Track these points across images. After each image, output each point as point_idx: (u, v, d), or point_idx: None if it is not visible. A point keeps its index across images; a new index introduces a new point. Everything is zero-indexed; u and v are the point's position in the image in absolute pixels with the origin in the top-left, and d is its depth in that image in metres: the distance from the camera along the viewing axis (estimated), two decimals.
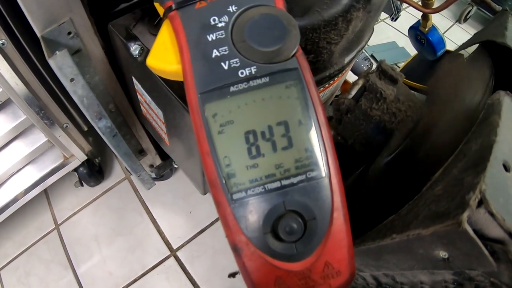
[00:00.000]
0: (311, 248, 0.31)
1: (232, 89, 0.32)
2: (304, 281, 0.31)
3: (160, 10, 0.38)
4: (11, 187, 1.03)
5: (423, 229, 0.37)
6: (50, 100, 0.83)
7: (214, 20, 0.33)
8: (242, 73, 0.32)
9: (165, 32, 0.36)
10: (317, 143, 0.32)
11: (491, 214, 0.32)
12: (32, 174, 1.05)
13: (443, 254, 0.38)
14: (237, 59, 0.32)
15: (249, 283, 0.31)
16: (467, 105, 0.57)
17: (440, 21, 1.85)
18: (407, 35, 1.28)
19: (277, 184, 0.31)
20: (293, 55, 0.33)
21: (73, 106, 0.92)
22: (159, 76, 0.51)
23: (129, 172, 0.93)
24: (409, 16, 1.80)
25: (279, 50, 0.32)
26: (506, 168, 0.37)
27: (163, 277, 1.11)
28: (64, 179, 1.16)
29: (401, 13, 1.31)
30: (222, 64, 0.32)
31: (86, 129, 1.04)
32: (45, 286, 1.12)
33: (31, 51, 0.70)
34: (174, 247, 1.16)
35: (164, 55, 0.35)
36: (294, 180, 0.31)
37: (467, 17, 1.87)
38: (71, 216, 1.24)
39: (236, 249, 0.31)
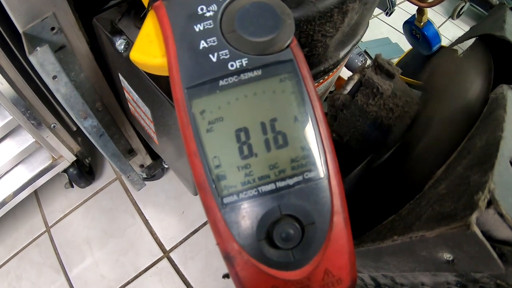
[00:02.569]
0: (309, 255, 0.29)
1: (221, 83, 0.30)
2: None
3: (145, 0, 0.36)
4: None
5: (427, 231, 0.35)
6: (37, 99, 0.81)
7: (201, 9, 0.31)
8: (232, 65, 0.30)
9: (150, 24, 0.34)
10: (315, 141, 0.30)
11: (501, 215, 0.31)
12: (21, 176, 1.03)
13: (447, 256, 0.36)
14: (226, 51, 0.30)
15: None
16: (465, 100, 0.55)
17: (433, 17, 1.84)
18: (400, 31, 1.27)
19: (271, 186, 0.29)
20: (288, 46, 0.31)
21: (61, 105, 0.90)
22: (145, 71, 0.49)
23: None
24: (403, 12, 1.80)
25: (272, 40, 0.30)
26: None
27: (157, 279, 1.09)
28: (54, 181, 1.15)
29: (395, 8, 1.30)
30: (211, 56, 0.30)
31: (74, 129, 1.02)
32: None
33: (16, 48, 0.68)
34: (167, 248, 1.14)
35: (149, 48, 0.33)
36: (290, 181, 0.29)
37: (460, 13, 1.86)
38: (62, 218, 1.22)
39: (228, 258, 0.29)
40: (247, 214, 0.29)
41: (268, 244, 0.29)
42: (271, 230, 0.29)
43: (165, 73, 0.33)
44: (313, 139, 0.30)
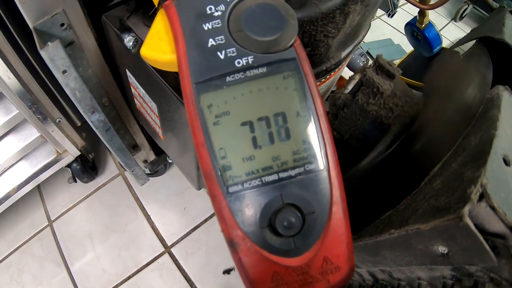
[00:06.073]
0: (309, 243, 0.30)
1: (228, 79, 0.31)
2: (302, 277, 0.30)
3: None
4: (3, 183, 1.02)
5: (422, 224, 0.36)
6: (43, 94, 0.82)
7: (210, 9, 0.33)
8: (238, 62, 0.31)
9: (160, 22, 0.35)
10: (316, 135, 0.31)
11: (492, 208, 0.32)
12: (25, 170, 1.04)
13: (442, 249, 0.37)
14: (233, 49, 0.32)
15: (245, 279, 0.31)
16: (464, 100, 0.56)
17: (435, 19, 1.85)
18: (402, 32, 1.28)
19: (274, 177, 0.31)
20: (291, 45, 0.32)
21: (66, 100, 0.91)
22: (153, 68, 0.50)
23: (123, 168, 0.92)
24: (405, 13, 1.80)
25: (276, 39, 0.31)
26: (506, 163, 0.37)
27: (157, 274, 1.10)
28: (57, 175, 1.15)
29: (397, 10, 1.31)
30: (218, 53, 0.31)
31: (79, 124, 1.03)
32: (39, 283, 1.11)
33: (23, 43, 0.69)
34: (169, 244, 1.15)
35: (159, 45, 0.35)
36: (292, 172, 0.31)
37: (463, 15, 1.87)
38: (64, 212, 1.23)
39: (232, 244, 0.30)
40: (251, 203, 0.30)
41: (270, 231, 0.30)
42: (273, 218, 0.30)
43: (174, 69, 0.34)
44: (314, 133, 0.31)
